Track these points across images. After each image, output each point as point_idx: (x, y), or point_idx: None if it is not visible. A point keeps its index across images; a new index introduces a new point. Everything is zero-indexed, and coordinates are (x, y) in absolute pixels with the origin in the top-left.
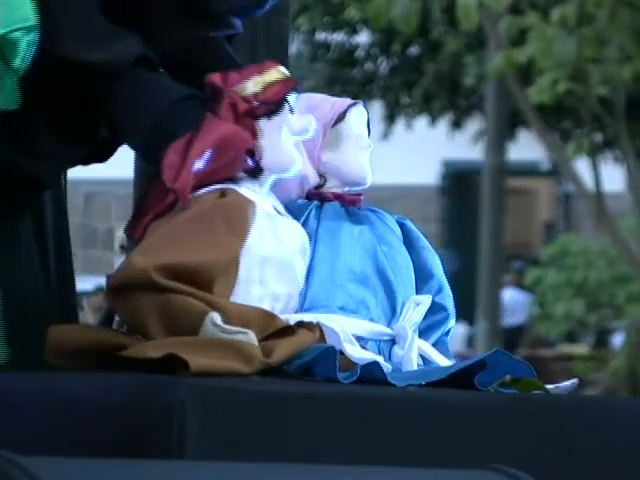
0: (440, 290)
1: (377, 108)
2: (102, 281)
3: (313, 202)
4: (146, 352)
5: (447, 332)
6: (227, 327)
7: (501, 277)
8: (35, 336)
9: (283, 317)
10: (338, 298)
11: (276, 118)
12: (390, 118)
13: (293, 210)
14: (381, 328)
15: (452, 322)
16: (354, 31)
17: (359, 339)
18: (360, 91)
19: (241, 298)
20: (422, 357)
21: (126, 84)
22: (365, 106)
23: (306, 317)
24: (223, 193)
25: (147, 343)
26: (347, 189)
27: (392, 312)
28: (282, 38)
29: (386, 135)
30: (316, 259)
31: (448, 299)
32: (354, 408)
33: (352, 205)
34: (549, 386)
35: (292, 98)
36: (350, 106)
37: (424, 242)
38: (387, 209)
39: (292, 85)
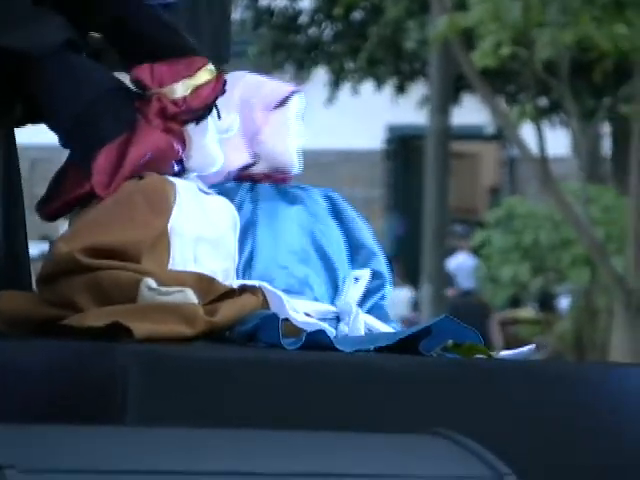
0: (372, 257)
1: (322, 74)
2: (46, 247)
3: (243, 184)
4: (87, 321)
5: (383, 297)
6: (164, 289)
7: (445, 241)
8: None
9: (226, 282)
10: (282, 280)
11: (203, 123)
12: (335, 84)
13: (223, 193)
14: (326, 307)
15: (388, 287)
16: None
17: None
18: (304, 57)
19: None
20: (367, 330)
21: (51, 68)
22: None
23: (249, 282)
24: (141, 177)
25: (87, 313)
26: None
27: (334, 289)
28: (224, 4)
29: (330, 100)
30: (257, 242)
31: (382, 265)
32: (296, 373)
33: (282, 183)
34: (506, 352)
35: (219, 99)
36: (293, 93)
37: (351, 213)
38: (332, 173)
39: (221, 87)
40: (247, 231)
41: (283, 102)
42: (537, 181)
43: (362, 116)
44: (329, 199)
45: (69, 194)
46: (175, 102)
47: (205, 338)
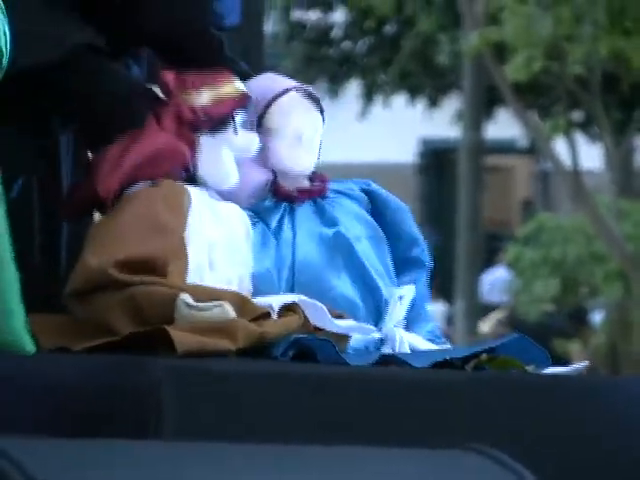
0: (414, 245)
1: (355, 87)
2: None
3: (282, 204)
4: (127, 330)
5: (424, 284)
6: (201, 304)
7: (480, 255)
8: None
9: (265, 300)
10: (324, 304)
11: (219, 135)
12: (368, 97)
13: (261, 212)
14: (368, 326)
15: (427, 273)
16: (330, 9)
17: None
18: (337, 70)
19: None
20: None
21: (73, 75)
22: (310, 91)
23: (288, 298)
24: (155, 183)
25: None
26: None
27: (377, 310)
28: (258, 17)
29: (363, 114)
30: (297, 267)
31: (424, 253)
32: (336, 387)
33: (319, 195)
34: (555, 368)
35: (239, 116)
36: (270, 101)
37: (392, 203)
38: None
39: (242, 104)
40: (285, 261)
41: (267, 107)
42: (570, 195)
43: (395, 129)
44: (369, 192)
45: (81, 195)
46: (193, 109)
47: (247, 354)
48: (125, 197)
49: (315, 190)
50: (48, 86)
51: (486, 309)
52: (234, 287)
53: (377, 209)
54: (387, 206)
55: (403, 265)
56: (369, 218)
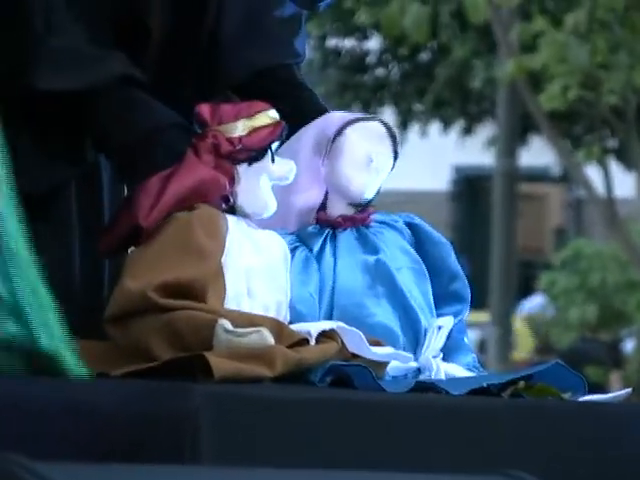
0: (454, 279)
1: (389, 114)
2: None
3: (325, 230)
4: (166, 355)
5: (462, 320)
6: (239, 330)
7: (513, 282)
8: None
9: (303, 326)
10: (363, 333)
11: (256, 165)
12: (402, 125)
13: (304, 238)
14: (406, 354)
15: (467, 310)
16: (365, 37)
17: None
18: (371, 97)
19: None
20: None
21: (107, 102)
22: (384, 122)
23: (326, 325)
24: (192, 207)
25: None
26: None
27: (416, 340)
28: None
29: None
30: (337, 295)
31: (464, 289)
32: (369, 413)
33: (363, 224)
34: (595, 396)
35: (275, 145)
36: (353, 120)
37: (434, 237)
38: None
39: (279, 132)
40: (326, 287)
41: (340, 130)
42: (603, 222)
43: (428, 157)
44: (412, 226)
45: (120, 228)
46: (230, 140)
47: (284, 380)
48: (162, 224)
49: (358, 219)
50: (82, 112)
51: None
52: (272, 314)
53: (419, 242)
54: (429, 240)
55: (443, 299)
56: (411, 250)
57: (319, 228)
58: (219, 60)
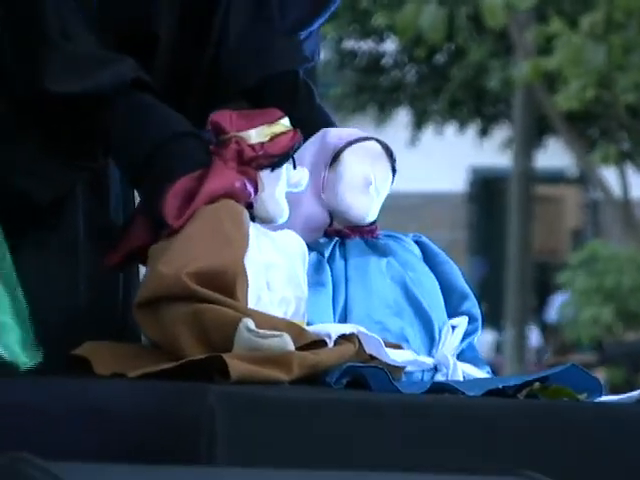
0: (465, 300)
1: (404, 115)
2: None
3: (334, 239)
4: (186, 353)
5: (474, 340)
6: (262, 331)
7: (529, 284)
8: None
9: (323, 327)
10: (377, 335)
11: (277, 170)
12: (418, 126)
13: (314, 246)
14: (423, 359)
15: (479, 330)
16: (381, 39)
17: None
18: (387, 99)
19: (253, 305)
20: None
21: (119, 107)
22: (380, 141)
23: (346, 328)
24: (215, 200)
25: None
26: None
27: (430, 340)
28: None
29: (413, 142)
30: (350, 299)
31: (475, 308)
32: (382, 415)
33: (371, 236)
34: (611, 396)
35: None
36: (349, 143)
37: (442, 256)
38: (415, 216)
39: (298, 139)
40: (339, 288)
41: (337, 155)
42: (620, 224)
43: (445, 158)
44: (419, 244)
45: (134, 243)
46: (252, 147)
47: (301, 381)
48: (188, 216)
49: (366, 230)
50: (94, 117)
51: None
52: (292, 309)
53: (428, 261)
54: (437, 259)
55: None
56: (420, 260)
57: (328, 239)
58: (224, 68)
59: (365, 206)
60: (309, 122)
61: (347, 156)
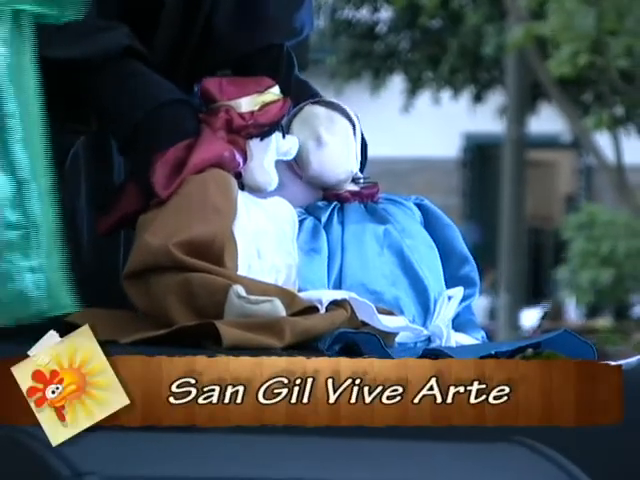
0: (464, 263)
1: (398, 82)
2: None
3: (332, 203)
4: (177, 320)
5: (471, 304)
6: (252, 297)
7: (522, 249)
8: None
9: (314, 294)
10: (375, 305)
11: (267, 139)
12: (412, 92)
13: (312, 210)
14: (416, 326)
15: (476, 294)
16: (375, 9)
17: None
18: (382, 65)
19: (244, 273)
20: None
21: (110, 75)
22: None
23: (337, 294)
24: (204, 170)
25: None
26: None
27: (425, 310)
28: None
29: (407, 109)
30: (345, 268)
31: (474, 272)
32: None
33: (371, 199)
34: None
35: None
36: (295, 113)
37: (444, 219)
38: (409, 181)
39: (287, 107)
40: (334, 255)
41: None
42: (613, 189)
43: (438, 124)
44: (420, 207)
45: (125, 209)
46: (242, 115)
47: (293, 347)
48: (176, 186)
49: (366, 194)
50: (87, 83)
51: None
52: (282, 277)
53: (428, 224)
54: (438, 222)
55: (453, 283)
56: (421, 227)
57: (327, 203)
58: (213, 40)
59: (327, 161)
60: (287, 94)
61: (294, 127)
